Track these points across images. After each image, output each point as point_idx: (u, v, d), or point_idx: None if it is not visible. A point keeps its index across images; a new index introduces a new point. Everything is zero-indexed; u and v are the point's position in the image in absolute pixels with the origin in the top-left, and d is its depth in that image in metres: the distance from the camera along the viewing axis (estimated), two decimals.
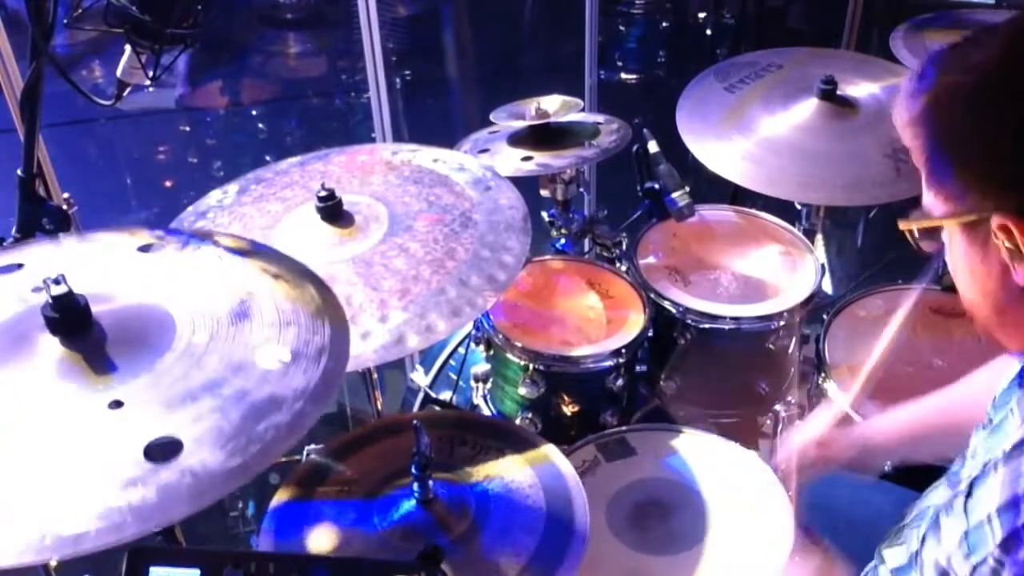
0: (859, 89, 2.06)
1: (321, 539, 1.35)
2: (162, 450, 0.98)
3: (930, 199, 0.92)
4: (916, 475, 1.52)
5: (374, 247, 1.56)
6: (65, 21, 1.39)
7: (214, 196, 1.75)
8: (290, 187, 1.76)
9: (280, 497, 1.43)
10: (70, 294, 1.08)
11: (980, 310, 0.95)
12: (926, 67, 0.89)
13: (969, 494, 1.00)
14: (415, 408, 2.14)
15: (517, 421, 1.84)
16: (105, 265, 1.26)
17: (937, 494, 1.24)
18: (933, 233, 0.94)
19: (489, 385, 1.93)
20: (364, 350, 1.37)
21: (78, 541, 0.90)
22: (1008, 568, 0.89)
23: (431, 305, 1.44)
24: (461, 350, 2.13)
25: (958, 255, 0.92)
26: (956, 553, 0.99)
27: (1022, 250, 0.84)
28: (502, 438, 1.53)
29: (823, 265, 1.99)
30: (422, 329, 1.41)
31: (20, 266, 1.25)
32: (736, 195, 2.25)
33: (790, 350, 1.96)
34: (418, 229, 1.59)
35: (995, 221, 0.84)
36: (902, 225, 0.96)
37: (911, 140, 0.91)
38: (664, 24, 4.82)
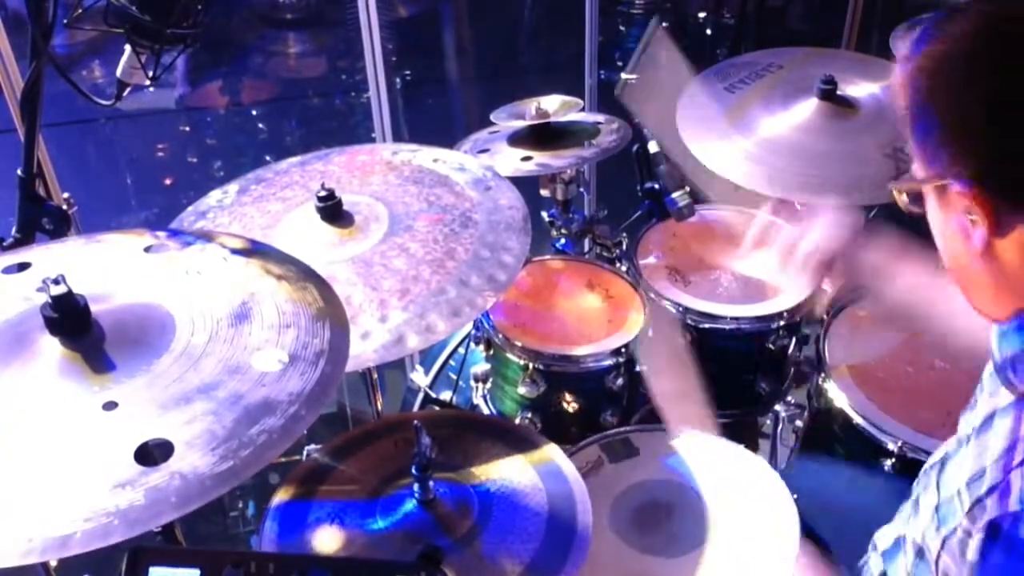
0: (859, 89, 2.06)
1: (322, 539, 1.35)
2: (153, 452, 0.98)
3: (915, 163, 0.96)
4: (913, 469, 1.52)
5: (374, 247, 1.56)
6: (65, 21, 1.39)
7: (214, 196, 1.75)
8: (290, 187, 1.75)
9: (280, 496, 1.43)
10: (69, 294, 1.08)
11: (952, 273, 0.99)
12: (919, 34, 0.93)
13: (942, 469, 1.04)
14: (415, 408, 2.14)
15: (517, 421, 1.83)
16: (111, 266, 1.26)
17: None
18: (918, 198, 0.98)
19: (489, 385, 1.93)
20: (364, 350, 1.37)
21: (64, 543, 0.89)
22: (974, 536, 0.91)
23: (431, 305, 1.44)
24: (461, 350, 2.13)
25: (931, 218, 0.97)
26: (929, 527, 1.03)
27: (976, 216, 0.88)
28: (504, 438, 1.53)
29: None
30: (422, 329, 1.41)
31: (27, 265, 1.25)
32: None
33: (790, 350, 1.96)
34: (418, 229, 1.59)
35: (955, 186, 0.89)
36: (891, 186, 1.01)
37: (900, 104, 0.95)
38: (664, 24, 4.82)
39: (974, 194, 0.88)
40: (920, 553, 1.07)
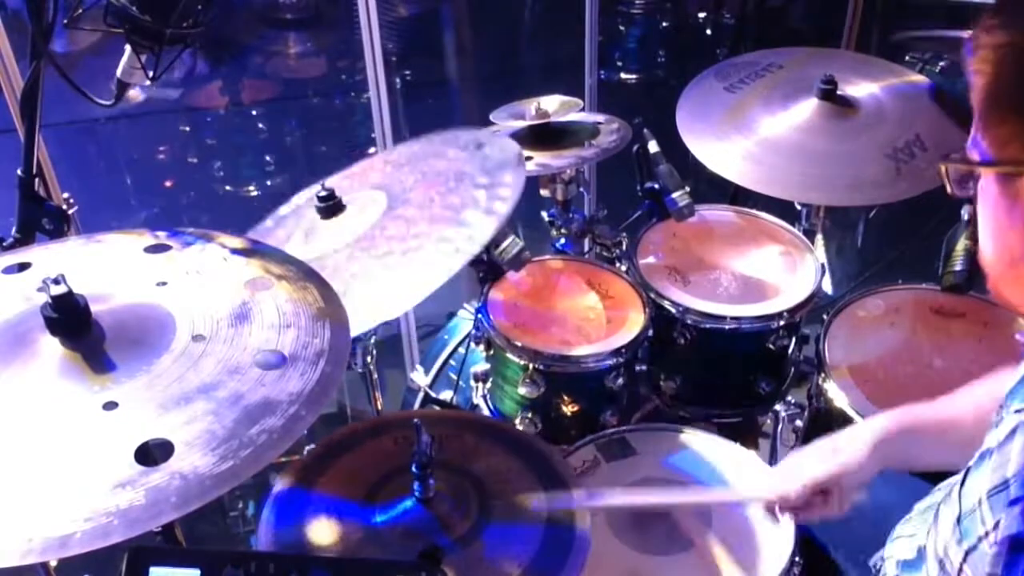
0: (859, 89, 2.06)
1: (321, 533, 1.34)
2: (153, 452, 0.98)
3: (975, 140, 0.91)
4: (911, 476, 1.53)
5: (373, 225, 1.58)
6: (65, 21, 1.39)
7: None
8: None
9: (281, 483, 1.42)
10: (70, 294, 1.08)
11: (995, 263, 0.94)
12: (1008, 5, 0.88)
13: (963, 482, 1.01)
14: (415, 408, 2.14)
15: (517, 421, 1.84)
16: (111, 266, 1.26)
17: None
18: (967, 179, 0.93)
19: (489, 385, 1.93)
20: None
21: (64, 543, 0.89)
22: (995, 548, 0.89)
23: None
24: (461, 350, 2.13)
25: (987, 203, 0.91)
26: (951, 540, 1.00)
27: None
28: (502, 438, 1.53)
29: (823, 265, 1.99)
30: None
31: (27, 265, 1.25)
32: (736, 195, 2.25)
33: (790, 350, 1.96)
34: (414, 199, 1.61)
35: None
36: (940, 164, 0.95)
37: (974, 76, 0.89)
38: (664, 24, 4.82)
39: None
40: (941, 565, 1.05)
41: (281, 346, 1.12)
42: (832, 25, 3.22)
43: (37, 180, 1.50)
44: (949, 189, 0.95)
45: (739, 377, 1.97)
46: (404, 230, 1.53)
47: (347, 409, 2.65)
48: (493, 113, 2.05)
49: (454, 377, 2.12)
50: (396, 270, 1.46)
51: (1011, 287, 0.94)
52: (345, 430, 1.56)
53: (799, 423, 1.92)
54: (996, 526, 0.90)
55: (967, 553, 0.96)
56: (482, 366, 1.91)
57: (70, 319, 1.09)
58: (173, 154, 4.15)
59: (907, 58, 2.44)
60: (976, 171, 0.91)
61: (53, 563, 1.56)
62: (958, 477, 1.06)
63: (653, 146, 1.93)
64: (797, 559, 1.43)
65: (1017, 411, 0.96)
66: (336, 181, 1.80)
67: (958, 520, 0.99)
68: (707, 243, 2.07)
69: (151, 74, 1.45)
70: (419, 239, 1.50)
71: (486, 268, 1.82)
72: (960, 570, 0.97)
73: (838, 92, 2.01)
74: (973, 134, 0.91)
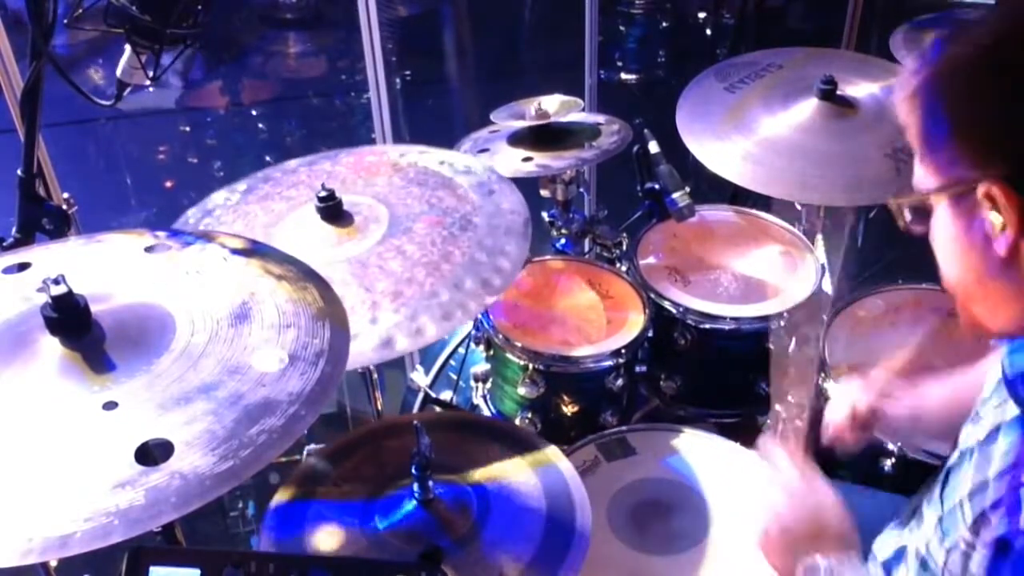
0: (859, 89, 2.06)
1: (322, 539, 1.35)
2: (153, 452, 0.98)
3: (921, 175, 0.93)
4: (909, 479, 1.52)
5: (371, 248, 1.55)
6: (65, 21, 1.39)
7: (221, 195, 1.75)
8: (296, 186, 1.75)
9: (280, 497, 1.43)
10: (69, 294, 1.08)
11: (962, 286, 0.95)
12: (931, 44, 0.90)
13: (945, 482, 1.03)
14: (415, 408, 2.14)
15: (517, 421, 1.84)
16: (111, 266, 1.26)
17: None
18: (923, 212, 0.94)
19: (489, 385, 1.93)
20: (352, 350, 1.37)
21: (64, 543, 0.89)
22: (978, 550, 0.90)
23: (422, 308, 1.43)
24: (461, 350, 2.13)
25: (943, 230, 0.92)
26: (932, 539, 1.02)
27: (1004, 218, 0.84)
28: (502, 438, 1.53)
29: (823, 265, 1.99)
30: (412, 332, 1.40)
31: (27, 265, 1.25)
32: (736, 195, 2.25)
33: (790, 350, 1.96)
34: (416, 231, 1.59)
35: (981, 189, 0.85)
36: (891, 203, 0.97)
37: (908, 114, 0.92)
38: (664, 24, 4.83)
39: (1005, 193, 0.83)
40: (924, 564, 1.06)
41: (281, 346, 1.12)
42: (832, 25, 3.22)
43: (37, 180, 1.50)
44: (902, 224, 0.97)
45: (739, 377, 1.97)
46: (399, 268, 1.50)
47: (347, 409, 2.65)
48: (493, 113, 2.05)
49: (454, 377, 2.12)
50: (381, 313, 1.42)
51: (982, 304, 0.94)
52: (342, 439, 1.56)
53: (799, 423, 1.92)
54: (973, 524, 0.91)
55: (948, 552, 0.97)
56: (482, 366, 1.92)
57: (70, 319, 1.08)
58: (173, 154, 4.16)
59: None
60: (929, 203, 0.93)
61: (53, 563, 1.55)
62: (939, 478, 1.07)
63: (653, 146, 1.93)
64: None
65: (996, 407, 0.97)
66: (340, 169, 1.79)
67: (940, 520, 1.00)
68: (707, 243, 2.07)
69: (151, 74, 1.45)
70: (411, 286, 1.46)
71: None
72: (944, 569, 0.98)
73: (838, 92, 2.01)
74: (919, 171, 0.93)
